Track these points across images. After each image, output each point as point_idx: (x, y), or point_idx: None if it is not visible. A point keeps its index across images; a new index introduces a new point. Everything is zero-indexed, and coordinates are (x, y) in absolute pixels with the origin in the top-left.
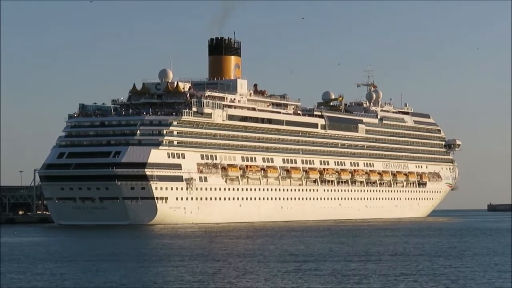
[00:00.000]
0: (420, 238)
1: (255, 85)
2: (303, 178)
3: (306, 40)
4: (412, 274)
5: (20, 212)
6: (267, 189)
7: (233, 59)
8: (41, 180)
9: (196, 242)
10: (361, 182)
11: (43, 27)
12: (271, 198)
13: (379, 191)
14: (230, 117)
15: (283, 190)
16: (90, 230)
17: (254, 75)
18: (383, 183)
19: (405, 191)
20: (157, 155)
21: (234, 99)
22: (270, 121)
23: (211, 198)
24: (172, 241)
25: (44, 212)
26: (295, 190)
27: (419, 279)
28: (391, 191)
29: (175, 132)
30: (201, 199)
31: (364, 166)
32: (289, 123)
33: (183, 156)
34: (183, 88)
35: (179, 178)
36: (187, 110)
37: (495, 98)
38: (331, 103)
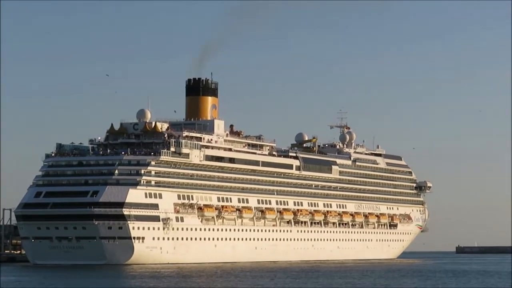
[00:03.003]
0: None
1: (231, 126)
2: (277, 219)
3: (281, 82)
4: None
5: None
6: (242, 230)
7: (210, 100)
8: (18, 219)
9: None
10: (334, 223)
11: (21, 67)
12: (246, 239)
13: (351, 232)
14: (208, 158)
15: (258, 230)
16: (65, 270)
17: (230, 115)
18: (355, 225)
19: (377, 233)
20: (134, 195)
21: (211, 139)
22: (246, 161)
23: (187, 238)
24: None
25: (12, 252)
26: (269, 230)
27: None
28: (363, 232)
29: (153, 172)
30: (177, 239)
31: (337, 207)
32: (265, 163)
33: (160, 196)
34: (161, 128)
35: (156, 218)
36: (165, 150)
37: (466, 141)
38: (304, 145)
